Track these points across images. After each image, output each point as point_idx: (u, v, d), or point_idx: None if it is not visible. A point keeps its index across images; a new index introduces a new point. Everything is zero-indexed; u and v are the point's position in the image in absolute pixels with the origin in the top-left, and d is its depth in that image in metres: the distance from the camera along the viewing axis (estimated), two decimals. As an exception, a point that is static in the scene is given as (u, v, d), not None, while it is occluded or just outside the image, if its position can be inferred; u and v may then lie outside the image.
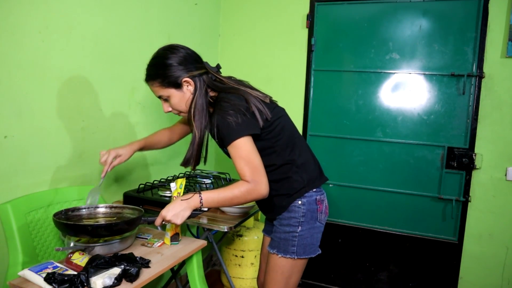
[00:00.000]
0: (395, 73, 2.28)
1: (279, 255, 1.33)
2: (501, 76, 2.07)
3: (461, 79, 2.13)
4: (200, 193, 1.23)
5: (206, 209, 1.21)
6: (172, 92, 1.27)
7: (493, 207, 2.15)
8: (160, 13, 2.09)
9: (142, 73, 1.97)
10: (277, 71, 2.56)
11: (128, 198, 1.80)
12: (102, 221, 1.39)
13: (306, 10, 2.44)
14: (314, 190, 1.34)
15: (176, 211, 1.23)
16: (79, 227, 1.23)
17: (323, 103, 2.46)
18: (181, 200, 1.24)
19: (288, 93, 2.51)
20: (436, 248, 2.27)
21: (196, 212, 1.21)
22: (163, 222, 1.27)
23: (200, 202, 1.22)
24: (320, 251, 1.39)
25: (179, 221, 1.23)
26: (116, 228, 1.25)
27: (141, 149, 1.55)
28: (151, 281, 1.21)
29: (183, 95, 1.27)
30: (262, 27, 2.59)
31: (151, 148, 1.60)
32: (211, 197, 1.22)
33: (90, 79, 1.67)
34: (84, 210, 1.40)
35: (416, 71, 2.24)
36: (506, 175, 2.11)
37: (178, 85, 1.26)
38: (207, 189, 1.97)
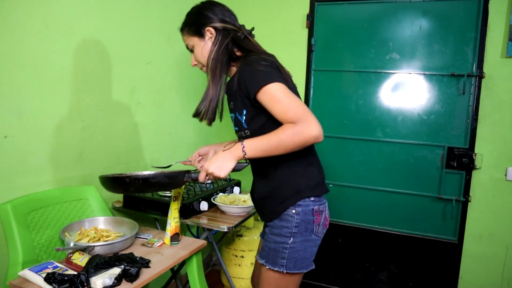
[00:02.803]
0: (395, 73, 2.28)
1: (267, 267, 1.21)
2: (501, 76, 2.07)
3: (461, 79, 2.13)
4: (242, 142, 1.10)
5: (247, 163, 1.13)
6: (195, 41, 1.24)
7: (493, 207, 2.15)
8: (160, 13, 2.09)
9: (142, 73, 1.99)
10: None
11: (128, 198, 1.80)
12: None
13: (306, 10, 2.44)
14: (312, 199, 1.20)
15: (219, 163, 1.11)
16: (118, 179, 1.18)
17: (323, 103, 2.46)
18: (223, 151, 1.13)
19: (288, 93, 2.51)
20: (436, 248, 2.27)
21: (242, 164, 1.13)
22: (207, 177, 1.16)
23: (243, 151, 1.09)
24: (313, 266, 1.25)
25: (222, 173, 1.10)
26: (154, 181, 1.15)
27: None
28: (151, 281, 1.21)
29: (205, 45, 1.23)
30: (262, 27, 2.58)
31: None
32: (254, 144, 1.08)
33: (90, 79, 1.67)
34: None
35: (416, 71, 2.24)
36: (506, 175, 2.11)
37: (201, 34, 1.23)
38: (207, 189, 1.97)
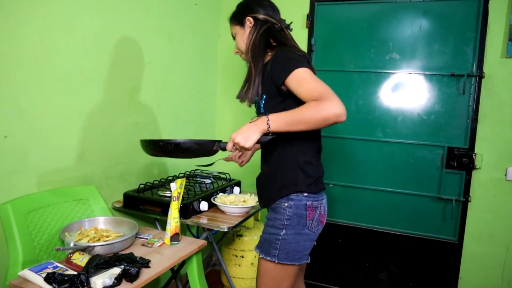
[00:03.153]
0: (395, 73, 2.28)
1: (261, 256, 1.30)
2: (501, 76, 2.07)
3: (461, 79, 2.13)
4: (267, 115, 1.16)
5: (272, 136, 1.20)
6: (237, 29, 1.36)
7: (493, 207, 2.15)
8: (160, 13, 2.09)
9: (142, 73, 1.99)
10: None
11: (128, 198, 1.80)
12: None
13: (306, 10, 2.44)
14: (305, 194, 1.25)
15: (245, 133, 1.17)
16: (154, 142, 1.29)
17: (323, 103, 2.45)
18: (249, 123, 1.19)
19: (288, 93, 2.51)
20: (436, 248, 2.27)
21: (267, 137, 1.19)
22: (234, 147, 1.21)
23: (267, 124, 1.14)
24: (308, 260, 1.30)
25: (248, 144, 1.16)
26: (185, 146, 1.24)
27: None
28: (151, 281, 1.21)
29: (244, 33, 1.34)
30: (262, 27, 2.59)
31: None
32: (278, 117, 1.14)
33: (90, 79, 1.67)
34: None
35: (416, 71, 2.24)
36: (506, 175, 2.11)
37: (242, 23, 1.34)
38: (207, 189, 1.97)
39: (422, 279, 2.32)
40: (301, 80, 1.15)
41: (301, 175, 1.25)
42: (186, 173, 2.23)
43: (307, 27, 2.44)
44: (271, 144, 1.28)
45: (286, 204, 1.25)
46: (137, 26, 1.93)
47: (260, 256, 1.30)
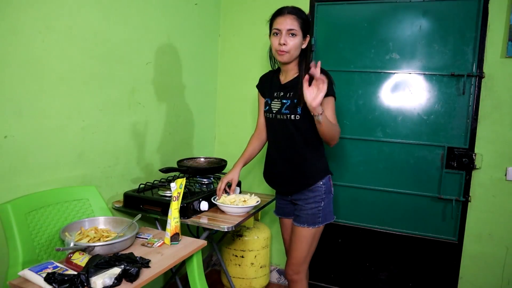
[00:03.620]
0: (395, 73, 2.28)
1: (309, 227, 1.65)
2: (501, 76, 2.07)
3: (461, 79, 2.13)
4: (323, 110, 1.50)
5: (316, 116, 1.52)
6: (299, 35, 1.60)
7: (493, 207, 2.15)
8: (160, 13, 2.09)
9: (142, 73, 1.99)
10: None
11: (128, 198, 1.80)
12: None
13: (306, 10, 2.43)
14: (329, 174, 1.72)
15: (318, 100, 1.45)
16: None
17: (323, 103, 2.45)
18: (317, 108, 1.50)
19: (288, 93, 2.51)
20: (436, 248, 2.27)
21: (317, 117, 1.49)
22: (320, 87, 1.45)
23: (322, 111, 1.48)
24: (335, 217, 1.76)
25: (314, 103, 1.44)
26: None
27: (244, 164, 1.88)
28: (151, 281, 1.21)
29: (301, 43, 1.62)
30: (263, 27, 2.58)
31: (250, 159, 1.92)
32: (325, 116, 1.52)
33: (90, 79, 1.67)
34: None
35: (416, 71, 2.24)
36: (506, 175, 2.11)
37: (305, 35, 1.63)
38: (207, 189, 1.98)
39: (422, 279, 2.32)
40: (332, 106, 1.63)
41: (325, 163, 1.73)
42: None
43: (307, 27, 2.44)
44: (306, 141, 1.66)
45: (321, 183, 1.67)
46: (137, 26, 1.93)
47: (309, 227, 1.65)
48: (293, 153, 1.68)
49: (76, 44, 1.58)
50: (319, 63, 1.46)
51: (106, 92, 1.77)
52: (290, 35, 1.58)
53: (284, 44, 1.57)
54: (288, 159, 1.70)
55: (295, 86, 1.62)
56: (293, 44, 1.58)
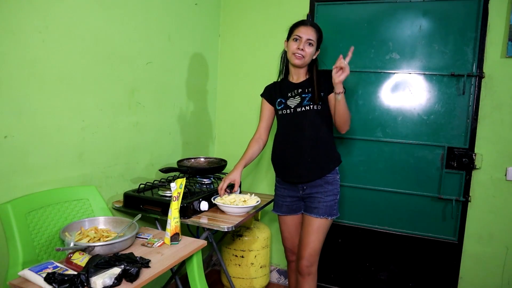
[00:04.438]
0: (395, 73, 2.28)
1: (328, 218, 1.80)
2: (501, 76, 2.07)
3: (461, 79, 2.13)
4: (343, 90, 1.74)
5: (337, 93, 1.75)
6: (315, 46, 1.82)
7: (493, 207, 2.15)
8: (160, 13, 2.09)
9: (142, 73, 1.99)
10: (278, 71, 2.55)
11: (128, 198, 1.80)
12: None
13: (306, 10, 2.44)
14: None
15: (343, 76, 1.67)
16: None
17: (323, 103, 2.45)
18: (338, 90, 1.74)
19: (288, 93, 2.51)
20: (436, 248, 2.27)
21: (338, 95, 1.73)
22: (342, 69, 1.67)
23: (343, 88, 1.73)
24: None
25: (337, 79, 1.68)
26: None
27: (245, 166, 1.95)
28: (151, 281, 1.21)
29: (314, 53, 1.84)
30: (262, 27, 2.59)
31: (250, 162, 1.99)
32: (344, 96, 1.76)
33: (90, 79, 1.67)
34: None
35: (416, 71, 2.24)
36: (506, 175, 2.10)
37: (318, 47, 1.86)
38: (207, 189, 1.98)
39: (422, 279, 2.32)
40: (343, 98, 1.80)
41: (337, 152, 1.90)
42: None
43: (307, 27, 2.43)
44: (328, 127, 1.86)
45: (338, 177, 1.85)
46: (137, 26, 1.93)
47: (328, 218, 1.79)
48: (318, 139, 1.81)
49: (76, 44, 1.58)
50: (352, 48, 1.67)
51: (106, 92, 1.77)
52: (308, 44, 1.79)
53: (302, 49, 1.77)
54: (312, 146, 1.81)
55: (312, 84, 1.83)
56: (309, 51, 1.80)
